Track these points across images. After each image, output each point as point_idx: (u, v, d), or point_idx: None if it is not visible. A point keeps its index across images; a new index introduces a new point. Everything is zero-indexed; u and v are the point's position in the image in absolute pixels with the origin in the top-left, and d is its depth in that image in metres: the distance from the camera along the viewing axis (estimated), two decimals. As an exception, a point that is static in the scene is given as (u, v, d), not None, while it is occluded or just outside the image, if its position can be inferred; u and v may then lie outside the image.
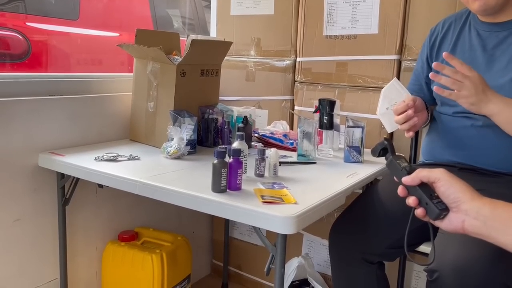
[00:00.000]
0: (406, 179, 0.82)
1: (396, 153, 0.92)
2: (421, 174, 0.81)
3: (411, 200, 0.81)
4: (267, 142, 1.68)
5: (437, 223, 0.81)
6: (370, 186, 1.46)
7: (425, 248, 1.32)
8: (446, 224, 0.80)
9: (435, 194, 0.80)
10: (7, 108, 1.35)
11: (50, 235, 1.50)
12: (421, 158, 1.52)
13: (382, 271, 1.33)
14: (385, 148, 0.94)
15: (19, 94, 1.41)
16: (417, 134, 1.65)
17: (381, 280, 1.31)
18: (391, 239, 1.21)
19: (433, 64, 1.08)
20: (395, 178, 0.88)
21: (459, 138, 1.26)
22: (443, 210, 0.79)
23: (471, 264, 0.95)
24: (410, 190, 0.83)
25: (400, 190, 0.83)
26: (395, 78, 1.39)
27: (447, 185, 0.79)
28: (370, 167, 1.42)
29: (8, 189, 1.37)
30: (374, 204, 1.30)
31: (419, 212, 0.81)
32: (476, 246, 0.95)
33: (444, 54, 1.08)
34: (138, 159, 1.42)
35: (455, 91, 1.07)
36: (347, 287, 1.33)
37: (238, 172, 1.12)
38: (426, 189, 0.81)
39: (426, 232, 0.89)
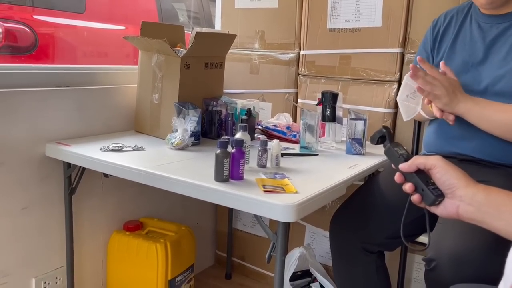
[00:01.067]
0: (403, 166, 0.84)
1: (394, 141, 0.94)
2: (417, 161, 0.83)
3: (407, 187, 0.84)
4: (270, 134, 1.70)
5: (432, 209, 0.83)
6: (371, 177, 1.47)
7: (425, 238, 1.34)
8: (441, 210, 0.82)
9: (431, 181, 0.82)
10: (15, 99, 1.38)
11: (57, 223, 1.53)
12: (422, 150, 1.54)
13: (382, 261, 1.35)
14: (383, 136, 0.95)
15: (26, 85, 1.44)
16: (419, 126, 1.66)
17: (380, 270, 1.33)
18: (391, 229, 1.23)
19: (410, 66, 1.15)
20: (392, 165, 0.90)
21: (459, 130, 1.27)
22: (439, 196, 0.81)
23: (468, 253, 0.97)
24: (406, 176, 0.85)
25: (397, 177, 0.85)
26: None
27: (442, 171, 0.81)
28: (372, 159, 1.43)
29: (16, 178, 1.40)
30: (374, 194, 1.32)
31: (415, 198, 0.83)
32: (473, 235, 0.97)
33: (418, 58, 1.19)
34: (143, 149, 1.44)
35: (429, 91, 1.16)
36: (347, 276, 1.35)
37: (241, 162, 1.14)
38: (422, 176, 0.83)
39: (425, 222, 0.91)
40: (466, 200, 0.78)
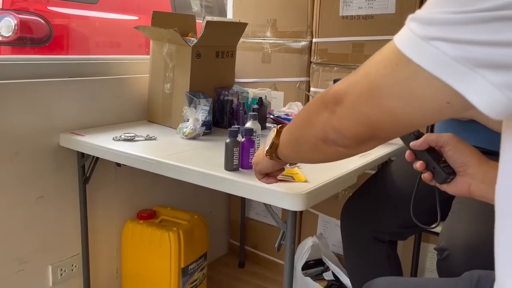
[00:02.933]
0: (414, 144, 0.83)
1: None
2: (429, 139, 0.82)
3: (418, 165, 0.82)
4: (282, 123, 1.70)
5: (443, 187, 0.82)
6: (383, 166, 1.46)
7: (438, 228, 1.32)
8: (452, 188, 0.81)
9: (443, 159, 0.81)
10: (30, 89, 1.40)
11: (72, 212, 1.56)
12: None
13: (394, 250, 1.34)
14: None
15: (41, 75, 1.46)
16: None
17: (392, 259, 1.32)
18: (403, 218, 1.21)
19: None
20: (403, 143, 0.88)
21: (472, 121, 1.25)
22: (450, 174, 0.80)
23: (481, 242, 0.96)
24: (417, 154, 0.84)
25: (408, 155, 0.84)
26: None
27: (454, 149, 0.80)
28: (384, 147, 1.42)
29: (32, 167, 1.43)
30: (386, 183, 1.30)
31: (426, 176, 0.82)
32: (486, 224, 0.95)
33: None
34: (154, 139, 1.45)
35: None
36: (358, 265, 1.35)
37: (250, 151, 1.14)
38: (433, 154, 0.82)
39: (440, 211, 0.89)
40: (478, 177, 0.77)
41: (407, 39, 0.45)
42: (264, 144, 0.83)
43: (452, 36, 0.40)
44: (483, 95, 0.40)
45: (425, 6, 0.45)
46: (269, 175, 0.90)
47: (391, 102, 0.48)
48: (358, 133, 0.54)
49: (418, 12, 0.45)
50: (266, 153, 0.81)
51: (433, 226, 0.92)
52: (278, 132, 0.78)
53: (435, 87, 0.43)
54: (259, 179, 0.90)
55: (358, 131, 0.53)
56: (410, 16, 0.45)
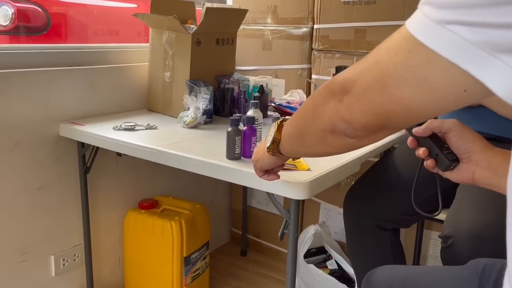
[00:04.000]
0: (417, 130, 0.81)
1: None
2: (432, 125, 0.80)
3: (421, 151, 0.80)
4: (284, 111, 1.68)
5: (446, 174, 0.80)
6: (386, 154, 1.45)
7: (442, 215, 1.31)
8: (455, 175, 0.79)
9: (446, 145, 0.79)
10: (28, 79, 1.38)
11: (73, 202, 1.55)
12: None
13: (397, 238, 1.33)
14: None
15: (39, 65, 1.44)
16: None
17: (395, 247, 1.31)
18: (406, 206, 1.20)
19: None
20: (404, 129, 0.86)
21: (480, 107, 1.23)
22: (454, 161, 0.78)
23: (486, 229, 0.95)
24: (420, 141, 0.82)
25: (410, 141, 0.82)
26: None
27: (459, 135, 0.78)
28: (387, 135, 1.40)
29: (32, 158, 1.42)
30: (389, 171, 1.29)
31: (429, 163, 0.80)
32: (491, 211, 0.94)
33: None
34: (155, 128, 1.44)
35: None
36: (361, 253, 1.34)
37: (252, 140, 1.12)
38: (436, 140, 0.80)
39: (444, 199, 0.88)
40: (482, 164, 0.75)
41: (421, 23, 0.42)
42: (263, 141, 0.81)
43: (470, 19, 0.38)
44: (503, 81, 0.38)
45: None
46: (270, 172, 0.88)
47: (403, 92, 0.45)
48: (369, 123, 0.51)
49: None
50: (267, 149, 0.78)
51: (435, 214, 0.91)
52: (279, 127, 0.75)
53: (451, 75, 0.40)
54: (260, 176, 0.88)
55: (369, 121, 0.51)
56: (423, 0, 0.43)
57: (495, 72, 0.38)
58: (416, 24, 0.43)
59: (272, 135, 0.76)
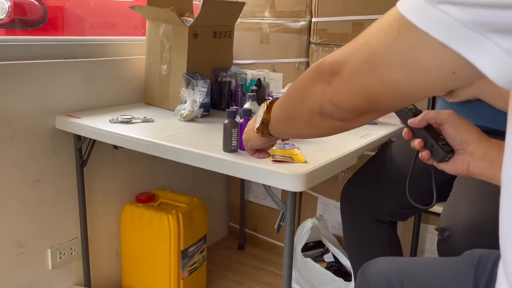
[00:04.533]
0: (412, 121, 0.80)
1: None
2: (428, 116, 0.79)
3: (416, 143, 0.80)
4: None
5: (441, 166, 0.80)
6: (383, 147, 1.45)
7: (439, 208, 1.31)
8: (450, 166, 0.79)
9: (441, 137, 0.79)
10: (24, 71, 1.37)
11: (70, 195, 1.55)
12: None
13: (394, 231, 1.34)
14: None
15: (35, 57, 1.43)
16: (433, 98, 1.61)
17: (392, 240, 1.31)
18: (403, 199, 1.20)
19: None
20: (400, 120, 0.86)
21: (475, 101, 1.23)
22: (449, 152, 0.77)
23: (482, 222, 0.95)
24: (415, 132, 0.81)
25: (405, 133, 0.82)
26: None
27: (454, 126, 0.77)
28: (384, 128, 1.40)
29: (28, 151, 1.41)
30: (386, 164, 1.29)
31: (424, 154, 0.79)
32: (488, 204, 0.94)
33: None
34: (152, 121, 1.43)
35: None
36: (358, 246, 1.34)
37: (249, 132, 1.12)
38: (432, 131, 0.79)
39: (441, 192, 0.88)
40: (478, 155, 0.75)
41: (412, 4, 0.41)
42: (253, 120, 0.81)
43: None
44: (493, 63, 0.37)
45: None
46: (261, 150, 0.87)
47: (392, 73, 0.45)
48: (356, 106, 0.51)
49: None
50: (256, 130, 0.78)
51: (430, 206, 0.90)
52: (268, 108, 0.74)
53: (441, 56, 0.40)
54: (251, 155, 0.88)
55: (356, 103, 0.51)
56: None
57: (485, 53, 0.37)
58: (406, 5, 0.42)
59: (261, 116, 0.75)
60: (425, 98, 0.50)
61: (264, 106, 0.76)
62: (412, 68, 0.43)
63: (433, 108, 1.63)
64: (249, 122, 0.85)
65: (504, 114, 1.18)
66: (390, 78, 0.45)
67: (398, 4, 0.44)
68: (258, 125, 0.77)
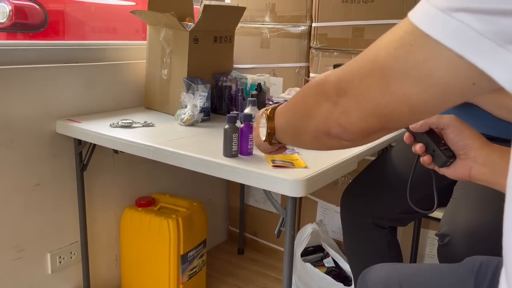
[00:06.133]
0: (414, 126, 0.79)
1: None
2: (430, 120, 0.78)
3: (417, 147, 0.79)
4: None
5: (442, 171, 0.80)
6: (383, 152, 1.45)
7: (439, 214, 1.31)
8: (452, 171, 0.78)
9: (443, 141, 0.78)
10: (25, 75, 1.38)
11: (69, 199, 1.55)
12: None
13: (394, 236, 1.33)
14: None
15: (36, 61, 1.43)
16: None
17: (392, 245, 1.31)
18: (403, 204, 1.20)
19: None
20: None
21: (475, 107, 1.23)
22: (450, 157, 0.77)
23: (483, 228, 0.95)
24: (417, 136, 0.81)
25: (406, 137, 0.82)
26: None
27: (457, 131, 0.76)
28: (385, 133, 1.40)
29: (29, 154, 1.41)
30: (387, 169, 1.29)
31: (425, 159, 0.79)
32: (488, 210, 0.94)
33: None
34: (152, 125, 1.44)
35: None
36: (358, 251, 1.34)
37: (249, 137, 1.12)
38: (433, 136, 0.79)
39: (441, 197, 0.88)
40: (480, 161, 0.74)
41: (424, 12, 0.39)
42: (257, 127, 0.80)
43: (479, 6, 0.34)
44: None
45: None
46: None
47: (406, 88, 0.42)
48: (367, 126, 0.48)
49: None
50: (264, 141, 0.77)
51: (431, 211, 0.90)
52: (270, 118, 0.72)
53: (457, 67, 0.38)
54: (268, 154, 0.86)
55: (367, 124, 0.47)
56: None
57: (504, 64, 0.35)
58: (419, 14, 0.40)
59: (265, 128, 0.75)
60: (441, 111, 0.46)
61: (264, 116, 0.74)
62: (428, 82, 0.40)
63: (433, 113, 1.63)
64: (254, 126, 0.85)
65: (504, 122, 1.18)
66: (405, 94, 0.42)
67: (409, 14, 0.41)
68: (265, 138, 0.76)
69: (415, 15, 0.40)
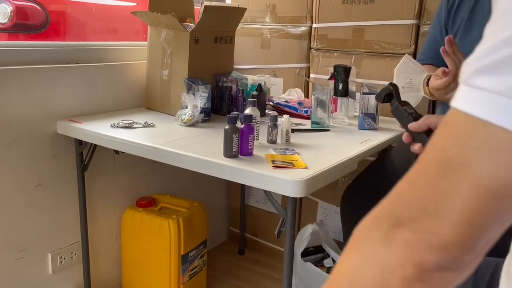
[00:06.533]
0: (413, 125, 0.80)
1: (402, 99, 0.89)
2: (429, 120, 0.78)
3: (416, 147, 0.79)
4: (281, 110, 1.68)
5: None
6: (383, 153, 1.45)
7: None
8: None
9: None
10: (26, 76, 1.38)
11: (70, 200, 1.55)
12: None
13: (394, 237, 1.33)
14: (390, 94, 0.89)
15: (37, 62, 1.44)
16: (434, 103, 1.62)
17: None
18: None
19: (446, 38, 1.13)
20: (400, 124, 0.86)
21: None
22: None
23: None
24: (415, 136, 0.81)
25: (405, 137, 0.81)
26: (406, 55, 1.37)
27: None
28: (385, 134, 1.41)
29: (30, 155, 1.42)
30: (387, 169, 1.29)
31: None
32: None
33: (447, 38, 1.14)
34: (153, 126, 1.44)
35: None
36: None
37: (250, 138, 1.12)
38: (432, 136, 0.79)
39: None
40: None
41: (478, 99, 0.34)
42: None
43: None
44: None
45: (481, 52, 0.35)
46: None
47: (496, 173, 0.35)
48: (463, 238, 0.37)
49: (476, 62, 0.35)
50: None
51: None
52: None
53: None
54: None
55: (462, 234, 0.37)
56: (469, 71, 0.35)
57: None
58: (471, 102, 0.35)
59: None
60: None
61: None
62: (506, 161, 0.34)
63: (433, 112, 1.63)
64: None
65: None
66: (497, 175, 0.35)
67: (456, 105, 0.36)
68: None
69: (466, 105, 0.35)
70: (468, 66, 0.36)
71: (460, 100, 0.36)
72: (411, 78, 1.24)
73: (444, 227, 0.37)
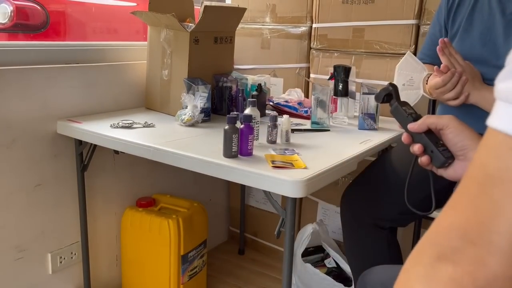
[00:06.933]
0: (412, 126, 0.79)
1: (401, 99, 0.89)
2: (428, 121, 0.78)
3: (416, 148, 0.79)
4: (281, 110, 1.68)
5: (440, 172, 0.79)
6: (383, 153, 1.45)
7: (438, 214, 1.32)
8: (450, 172, 0.77)
9: (441, 142, 0.77)
10: (26, 76, 1.38)
11: (70, 200, 1.55)
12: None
13: (394, 237, 1.33)
14: (389, 94, 0.89)
15: (37, 62, 1.44)
16: (434, 103, 1.61)
17: (392, 246, 1.31)
18: (403, 205, 1.20)
19: (440, 40, 1.16)
20: (399, 125, 0.85)
21: (474, 108, 1.23)
22: (449, 158, 0.76)
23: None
24: (415, 137, 0.80)
25: (405, 137, 0.81)
26: (408, 52, 1.36)
27: (456, 132, 0.75)
28: (385, 134, 1.40)
29: (30, 155, 1.42)
30: (386, 169, 1.29)
31: (424, 160, 0.78)
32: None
33: (441, 40, 1.18)
34: (153, 126, 1.44)
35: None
36: (358, 252, 1.34)
37: (249, 138, 1.12)
38: (432, 137, 0.78)
39: (441, 198, 0.88)
40: None
41: None
42: None
43: None
44: None
45: None
46: None
47: None
48: None
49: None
50: None
51: (429, 212, 0.90)
52: None
53: None
54: None
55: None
56: (506, 87, 0.33)
57: None
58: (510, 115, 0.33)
59: None
60: None
61: None
62: None
63: (433, 113, 1.63)
64: None
65: None
66: None
67: (494, 125, 0.34)
68: None
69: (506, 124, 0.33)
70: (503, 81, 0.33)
71: (498, 115, 0.33)
72: (411, 76, 1.24)
73: (489, 256, 0.32)
